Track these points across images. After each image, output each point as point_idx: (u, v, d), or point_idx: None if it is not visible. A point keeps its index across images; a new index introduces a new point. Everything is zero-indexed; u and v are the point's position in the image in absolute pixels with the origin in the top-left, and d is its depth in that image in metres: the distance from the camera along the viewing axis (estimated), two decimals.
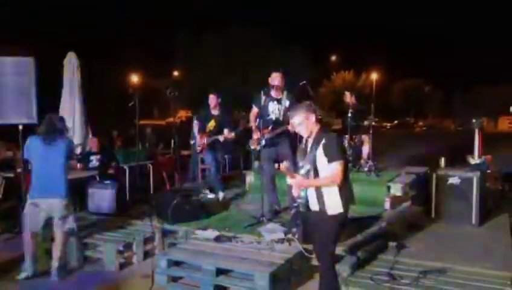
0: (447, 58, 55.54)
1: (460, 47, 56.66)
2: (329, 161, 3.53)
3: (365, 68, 39.65)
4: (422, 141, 19.50)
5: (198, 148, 7.45)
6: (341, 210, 3.62)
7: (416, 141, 20.37)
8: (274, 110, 5.97)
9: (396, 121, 49.91)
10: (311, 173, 3.62)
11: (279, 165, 6.59)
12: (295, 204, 3.83)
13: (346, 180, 3.68)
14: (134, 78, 29.76)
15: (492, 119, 44.02)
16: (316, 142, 3.61)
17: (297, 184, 3.67)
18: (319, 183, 3.61)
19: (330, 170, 3.54)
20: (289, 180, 3.68)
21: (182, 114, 33.95)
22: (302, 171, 3.67)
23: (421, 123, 51.36)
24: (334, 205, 3.61)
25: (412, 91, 55.57)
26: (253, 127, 6.09)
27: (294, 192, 3.73)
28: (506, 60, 46.49)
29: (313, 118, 3.66)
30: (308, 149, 3.70)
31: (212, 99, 7.25)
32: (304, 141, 3.83)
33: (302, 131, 3.72)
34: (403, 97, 55.72)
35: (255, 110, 6.14)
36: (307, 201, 3.70)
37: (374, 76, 30.21)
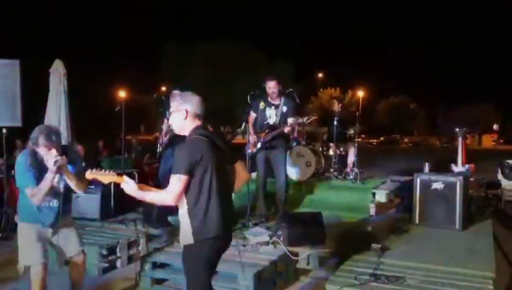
0: (431, 76, 56.67)
1: (444, 65, 57.93)
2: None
3: (351, 86, 40.23)
4: (408, 155, 19.71)
5: None
6: (191, 241, 2.85)
7: (403, 155, 20.58)
8: (271, 115, 6.13)
9: (382, 138, 50.33)
10: None
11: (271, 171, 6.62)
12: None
13: (200, 201, 2.83)
14: (121, 94, 29.68)
15: (476, 136, 44.67)
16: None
17: (129, 191, 2.84)
18: (149, 198, 2.92)
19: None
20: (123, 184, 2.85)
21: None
22: None
23: (406, 140, 51.85)
24: (184, 232, 2.89)
25: (397, 108, 56.28)
26: (251, 131, 6.18)
27: None
28: (488, 79, 47.67)
29: (182, 112, 2.89)
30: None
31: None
32: None
33: (173, 125, 3.01)
34: (388, 114, 56.35)
35: (252, 115, 6.27)
36: None
37: (361, 93, 30.80)
